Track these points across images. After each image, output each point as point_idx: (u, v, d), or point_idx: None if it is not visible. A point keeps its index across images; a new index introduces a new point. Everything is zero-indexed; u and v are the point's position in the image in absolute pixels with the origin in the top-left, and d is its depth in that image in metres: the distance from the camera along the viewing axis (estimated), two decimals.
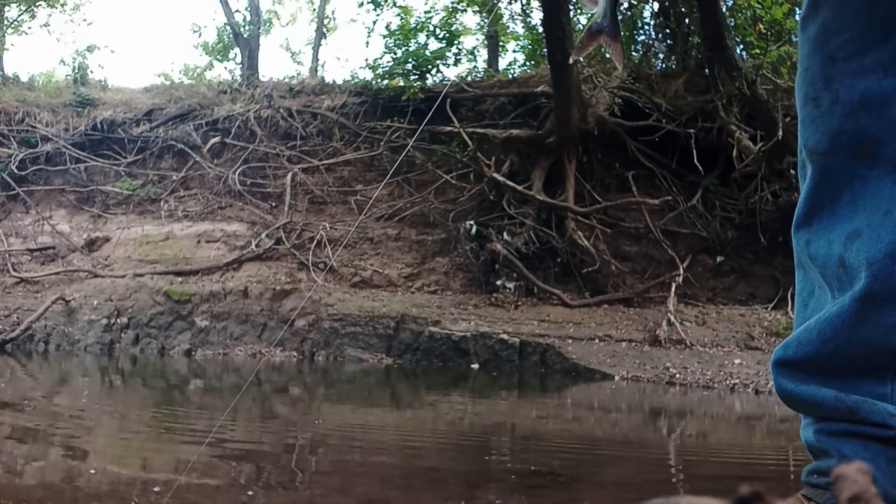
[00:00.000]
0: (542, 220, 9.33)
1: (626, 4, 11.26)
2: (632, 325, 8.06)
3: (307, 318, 8.32)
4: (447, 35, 12.17)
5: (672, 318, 7.84)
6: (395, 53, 11.84)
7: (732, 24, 10.11)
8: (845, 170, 0.98)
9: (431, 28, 12.22)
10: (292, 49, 28.02)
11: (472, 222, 9.40)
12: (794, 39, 9.24)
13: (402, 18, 12.63)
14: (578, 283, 9.10)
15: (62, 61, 22.85)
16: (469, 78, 11.94)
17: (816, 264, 1.02)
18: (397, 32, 12.27)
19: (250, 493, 2.50)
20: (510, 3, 13.47)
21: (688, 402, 5.84)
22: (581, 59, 10.83)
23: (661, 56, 10.97)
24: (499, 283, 8.90)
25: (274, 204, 10.60)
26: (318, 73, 14.69)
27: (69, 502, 2.35)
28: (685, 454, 3.83)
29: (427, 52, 11.76)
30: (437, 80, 11.60)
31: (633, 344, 7.62)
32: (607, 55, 11.41)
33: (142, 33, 36.93)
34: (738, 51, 9.78)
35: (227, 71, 17.47)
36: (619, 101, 9.61)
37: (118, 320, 8.47)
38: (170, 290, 8.69)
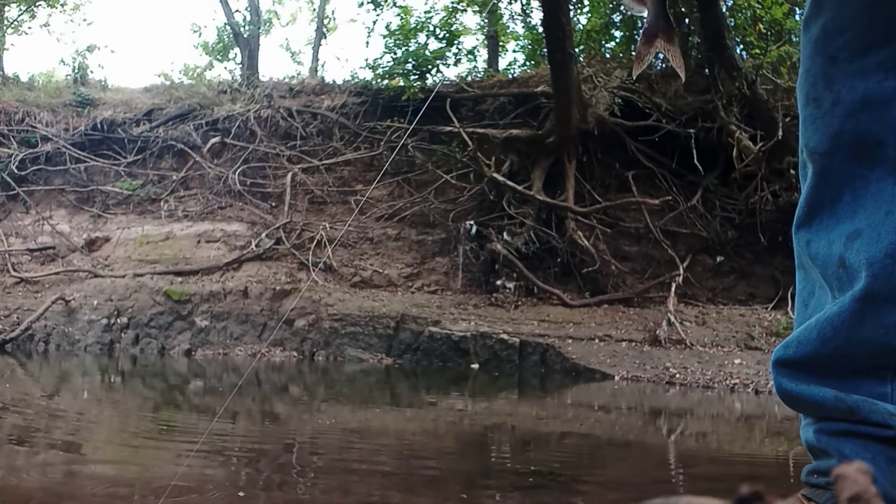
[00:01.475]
0: (542, 220, 9.34)
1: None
2: (632, 325, 8.06)
3: (307, 318, 8.32)
4: (447, 35, 12.16)
5: (672, 318, 7.84)
6: (395, 53, 11.83)
7: (732, 24, 10.11)
8: (846, 170, 0.98)
9: (431, 28, 12.21)
10: (292, 49, 28.07)
11: (472, 222, 9.40)
12: (794, 39, 9.24)
13: (402, 18, 12.63)
14: (578, 283, 9.11)
15: (62, 61, 22.88)
16: (469, 78, 11.93)
17: (817, 264, 1.02)
18: (397, 32, 12.26)
19: (249, 493, 2.50)
20: (510, 3, 13.48)
21: (688, 402, 5.83)
22: (581, 59, 10.85)
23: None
24: (499, 283, 8.90)
25: (274, 204, 10.60)
26: (318, 73, 14.69)
27: (69, 502, 2.35)
28: (685, 454, 3.83)
29: (427, 52, 11.76)
30: (438, 80, 11.59)
31: (633, 344, 7.62)
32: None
33: (142, 33, 36.97)
34: (738, 51, 9.78)
35: (227, 71, 17.49)
36: (619, 101, 9.61)
37: (118, 320, 8.47)
38: (170, 290, 8.69)
